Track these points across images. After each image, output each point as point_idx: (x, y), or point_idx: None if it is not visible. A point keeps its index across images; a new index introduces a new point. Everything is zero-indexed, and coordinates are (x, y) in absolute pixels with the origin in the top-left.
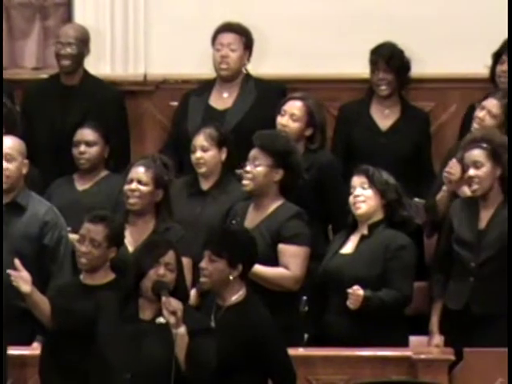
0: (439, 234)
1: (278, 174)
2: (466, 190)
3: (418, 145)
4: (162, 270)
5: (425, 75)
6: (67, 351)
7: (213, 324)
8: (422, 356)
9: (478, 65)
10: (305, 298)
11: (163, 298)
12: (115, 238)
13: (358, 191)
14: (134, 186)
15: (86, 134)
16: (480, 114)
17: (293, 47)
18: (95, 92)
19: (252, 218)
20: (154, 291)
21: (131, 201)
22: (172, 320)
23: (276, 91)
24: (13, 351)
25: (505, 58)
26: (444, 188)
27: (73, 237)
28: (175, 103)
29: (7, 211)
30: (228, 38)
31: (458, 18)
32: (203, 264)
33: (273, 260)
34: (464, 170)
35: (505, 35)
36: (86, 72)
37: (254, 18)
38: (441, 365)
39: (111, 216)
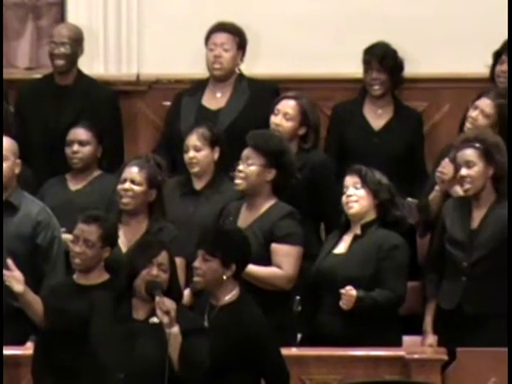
0: (432, 234)
1: (271, 174)
2: (458, 190)
3: (411, 145)
4: (155, 271)
5: (418, 75)
6: (60, 351)
7: (206, 324)
8: (415, 356)
9: (471, 65)
10: (298, 297)
11: (157, 298)
12: (109, 238)
13: (350, 191)
14: (127, 185)
15: (79, 133)
16: (473, 113)
17: (286, 47)
18: (89, 92)
19: (245, 218)
20: (147, 291)
21: (124, 200)
22: (165, 320)
23: (269, 91)
24: (6, 351)
25: (504, 57)
26: (437, 188)
27: (67, 237)
28: (168, 103)
29: None
30: (221, 37)
31: (451, 18)
32: (197, 263)
33: (266, 259)
34: (457, 169)
35: (497, 35)
36: (79, 72)
37: (248, 18)
38: (434, 365)
39: (105, 216)
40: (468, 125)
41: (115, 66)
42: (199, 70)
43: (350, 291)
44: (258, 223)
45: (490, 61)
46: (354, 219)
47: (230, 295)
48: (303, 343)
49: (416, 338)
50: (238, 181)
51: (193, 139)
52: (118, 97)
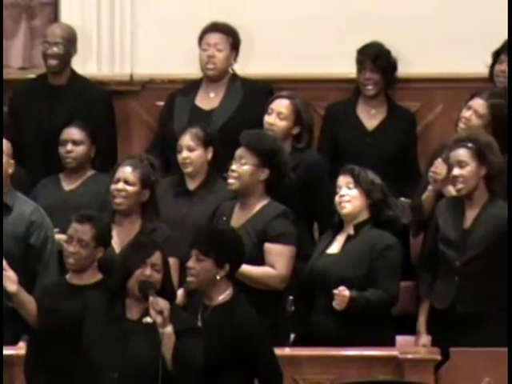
0: (425, 234)
1: (264, 174)
2: (451, 190)
3: (404, 145)
4: (148, 271)
5: (411, 75)
6: (53, 351)
7: (199, 324)
8: (409, 356)
9: (465, 65)
10: (291, 297)
11: (150, 298)
12: (102, 238)
13: (343, 191)
14: (120, 185)
15: (73, 132)
16: (466, 113)
17: (279, 47)
18: (82, 92)
19: (238, 218)
20: (140, 291)
21: (117, 200)
22: (159, 319)
23: (263, 91)
24: None
25: (503, 57)
26: (429, 188)
27: (60, 237)
28: (162, 103)
29: None
30: (215, 37)
31: (446, 18)
32: (190, 263)
33: (259, 259)
34: (449, 169)
35: (493, 35)
36: (73, 72)
37: (241, 18)
38: (427, 364)
39: (98, 216)
40: (461, 125)
41: (109, 66)
42: (193, 70)
43: (342, 291)
44: (251, 223)
45: (487, 60)
46: (346, 219)
47: (223, 295)
48: (296, 343)
49: (409, 338)
50: (231, 180)
51: (186, 139)
52: (112, 97)
